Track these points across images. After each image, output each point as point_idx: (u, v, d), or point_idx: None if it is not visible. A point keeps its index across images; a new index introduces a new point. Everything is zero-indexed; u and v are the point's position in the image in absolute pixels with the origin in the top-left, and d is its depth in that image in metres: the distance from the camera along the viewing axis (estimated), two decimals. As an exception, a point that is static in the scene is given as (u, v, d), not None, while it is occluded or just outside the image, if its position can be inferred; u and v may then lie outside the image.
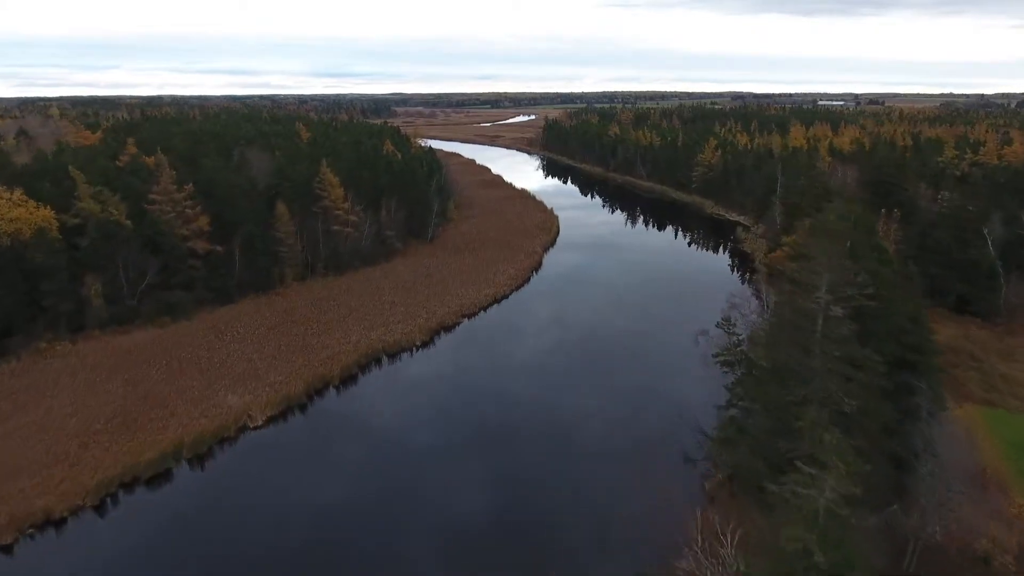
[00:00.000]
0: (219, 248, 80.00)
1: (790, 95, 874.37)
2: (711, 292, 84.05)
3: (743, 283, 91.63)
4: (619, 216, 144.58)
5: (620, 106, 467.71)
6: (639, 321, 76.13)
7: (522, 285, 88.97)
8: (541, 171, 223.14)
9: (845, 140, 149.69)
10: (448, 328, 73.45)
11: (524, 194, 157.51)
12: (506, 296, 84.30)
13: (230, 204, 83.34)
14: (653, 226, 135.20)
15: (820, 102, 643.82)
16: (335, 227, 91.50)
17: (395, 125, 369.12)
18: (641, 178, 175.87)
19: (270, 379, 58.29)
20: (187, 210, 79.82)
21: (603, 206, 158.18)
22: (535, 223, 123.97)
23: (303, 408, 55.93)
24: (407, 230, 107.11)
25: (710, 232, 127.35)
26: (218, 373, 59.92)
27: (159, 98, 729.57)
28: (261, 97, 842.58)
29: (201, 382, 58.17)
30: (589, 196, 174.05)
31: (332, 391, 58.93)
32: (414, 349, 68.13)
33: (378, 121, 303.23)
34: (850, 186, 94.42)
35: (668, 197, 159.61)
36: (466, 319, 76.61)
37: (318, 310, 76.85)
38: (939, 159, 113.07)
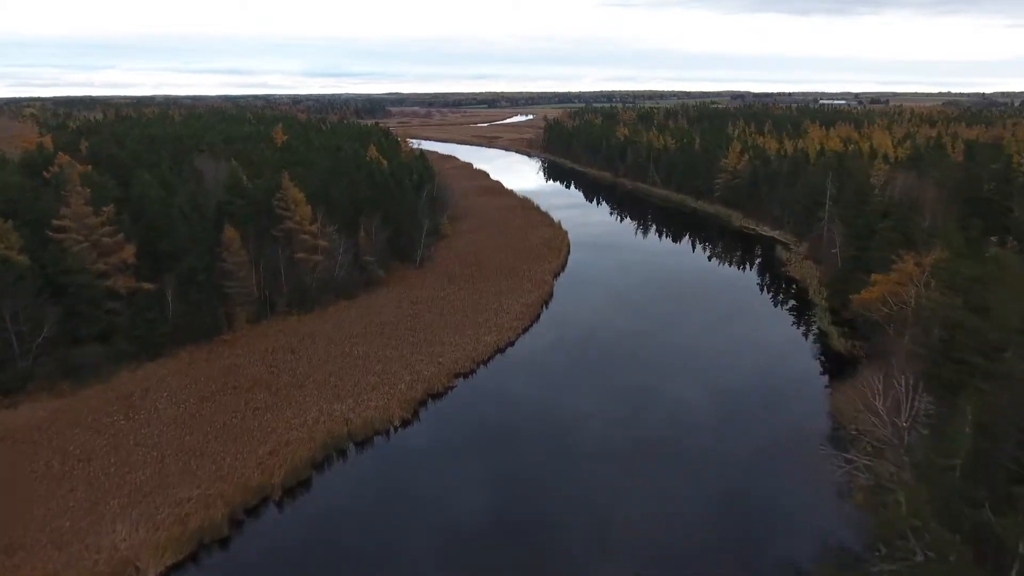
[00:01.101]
0: (148, 286, 62.18)
1: (789, 94, 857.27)
2: (777, 347, 66.88)
3: (802, 328, 74.06)
4: (635, 230, 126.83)
5: (620, 106, 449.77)
6: (696, 390, 58.46)
7: (530, 326, 71.25)
8: (543, 175, 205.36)
9: (884, 141, 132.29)
10: (437, 395, 55.68)
11: (526, 203, 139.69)
12: (511, 343, 66.56)
13: (165, 229, 65.48)
14: (676, 242, 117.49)
15: (821, 101, 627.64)
16: (300, 255, 73.66)
17: (388, 126, 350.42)
18: (654, 185, 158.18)
19: (181, 494, 40.48)
20: (105, 239, 61.98)
21: (615, 217, 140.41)
22: (541, 239, 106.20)
23: (223, 544, 38.16)
24: (392, 252, 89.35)
25: (743, 250, 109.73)
26: (113, 481, 42.10)
27: (150, 98, 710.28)
28: (256, 97, 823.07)
29: (86, 497, 40.39)
30: (598, 204, 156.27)
31: (271, 509, 41.16)
32: (392, 430, 50.40)
33: (371, 122, 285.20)
34: (928, 203, 76.86)
35: (686, 206, 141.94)
36: (461, 379, 58.90)
37: (271, 367, 59.05)
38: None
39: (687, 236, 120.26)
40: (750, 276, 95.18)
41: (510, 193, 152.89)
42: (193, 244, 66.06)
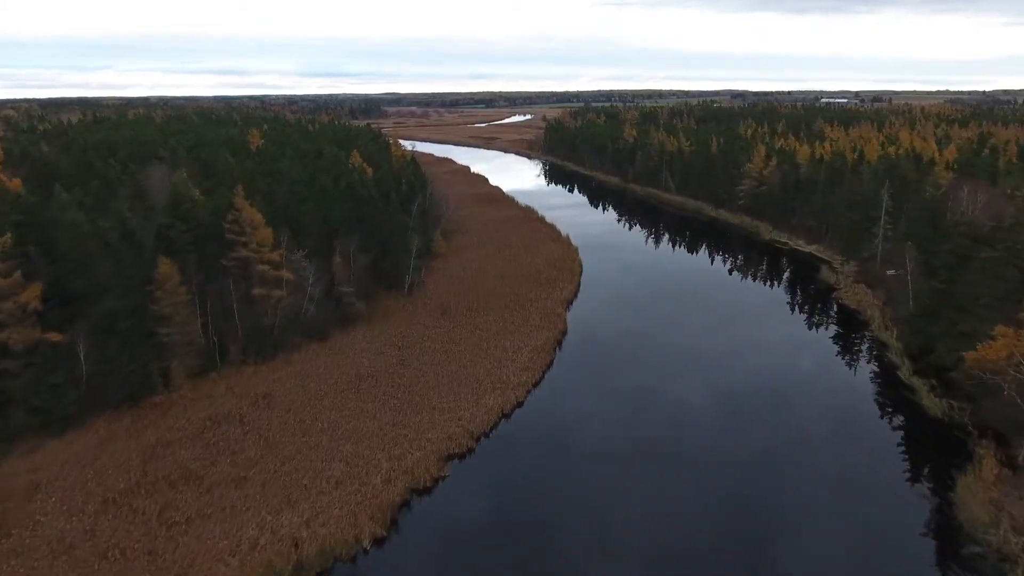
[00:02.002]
0: (56, 337, 48.00)
1: (788, 92, 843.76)
2: (847, 402, 53.14)
3: (874, 376, 60.00)
4: (653, 244, 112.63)
5: (621, 105, 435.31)
6: (766, 478, 44.37)
7: (541, 378, 57.08)
8: (545, 179, 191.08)
9: (926, 144, 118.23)
10: (423, 490, 41.53)
11: (529, 213, 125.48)
12: (519, 404, 52.42)
13: (80, 264, 51.25)
14: (701, 256, 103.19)
15: (822, 100, 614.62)
16: (257, 290, 59.41)
17: (383, 127, 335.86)
18: (668, 191, 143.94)
19: None
20: (-4, 278, 47.76)
21: (628, 228, 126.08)
22: (548, 259, 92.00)
23: None
24: (375, 278, 75.27)
25: (778, 267, 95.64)
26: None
27: (144, 99, 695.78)
28: (251, 98, 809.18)
29: None
30: (608, 213, 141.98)
31: None
32: (360, 553, 36.28)
33: (365, 122, 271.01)
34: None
35: (704, 215, 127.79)
36: (456, 461, 44.80)
37: (208, 447, 44.92)
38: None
39: (712, 250, 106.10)
40: (793, 300, 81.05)
41: (511, 201, 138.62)
42: (117, 280, 51.82)
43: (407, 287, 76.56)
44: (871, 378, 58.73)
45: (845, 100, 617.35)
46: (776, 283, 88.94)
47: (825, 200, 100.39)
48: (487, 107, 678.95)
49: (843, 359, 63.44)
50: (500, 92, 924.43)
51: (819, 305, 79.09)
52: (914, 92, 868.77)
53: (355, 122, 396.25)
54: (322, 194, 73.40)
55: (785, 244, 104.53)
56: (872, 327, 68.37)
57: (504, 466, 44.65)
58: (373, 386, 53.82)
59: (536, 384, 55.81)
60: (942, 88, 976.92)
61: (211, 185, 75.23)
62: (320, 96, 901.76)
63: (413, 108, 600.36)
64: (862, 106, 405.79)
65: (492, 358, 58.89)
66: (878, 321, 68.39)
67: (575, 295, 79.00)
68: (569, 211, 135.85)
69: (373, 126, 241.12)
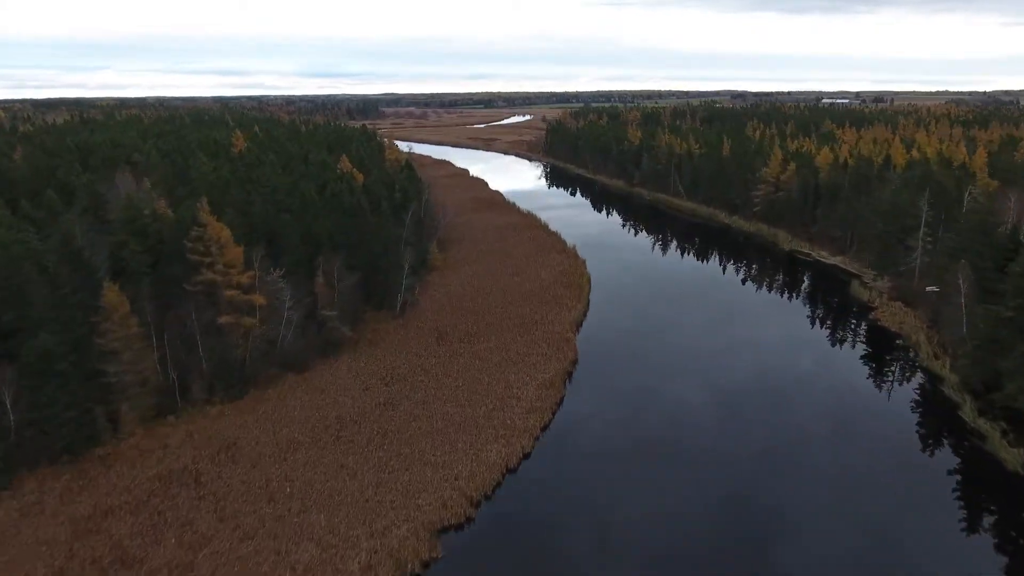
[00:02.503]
0: (-21, 381, 40.28)
1: (788, 93, 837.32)
2: (900, 448, 45.64)
3: (926, 413, 52.30)
4: (664, 253, 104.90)
5: (622, 105, 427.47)
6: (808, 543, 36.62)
7: (551, 420, 49.36)
8: (547, 183, 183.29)
9: (956, 148, 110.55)
10: (413, 578, 33.82)
11: (531, 221, 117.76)
12: (527, 455, 44.67)
13: (10, 292, 43.50)
14: (717, 267, 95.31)
15: (824, 100, 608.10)
16: (225, 318, 51.62)
17: (380, 128, 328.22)
18: (678, 196, 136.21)
19: None
20: (-96, 313, 40.03)
21: (636, 236, 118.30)
22: (554, 272, 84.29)
23: None
24: (364, 297, 67.57)
25: (803, 281, 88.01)
26: None
27: (141, 100, 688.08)
28: (249, 98, 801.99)
29: None
30: (613, 219, 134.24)
31: None
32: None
33: (358, 124, 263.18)
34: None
35: (717, 221, 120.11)
36: (453, 532, 37.09)
37: (152, 517, 37.17)
38: None
39: (729, 261, 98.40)
40: (823, 319, 73.35)
41: (512, 207, 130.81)
42: (57, 312, 44.08)
43: (399, 307, 68.83)
44: (926, 418, 51.08)
45: (847, 100, 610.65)
46: (802, 298, 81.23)
47: (851, 208, 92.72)
48: (486, 107, 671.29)
49: (888, 393, 55.72)
50: (499, 92, 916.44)
51: (852, 325, 71.45)
52: (914, 92, 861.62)
53: (352, 123, 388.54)
54: (304, 204, 65.61)
55: (807, 255, 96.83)
56: (918, 354, 60.69)
57: (508, 540, 36.93)
58: (356, 433, 46.09)
59: (545, 427, 48.11)
60: (941, 88, 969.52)
61: (185, 194, 67.68)
62: (319, 96, 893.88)
63: (412, 108, 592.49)
64: (865, 106, 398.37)
65: (494, 396, 51.15)
66: (925, 348, 60.68)
67: (585, 315, 71.23)
68: (573, 217, 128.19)
69: (369, 127, 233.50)
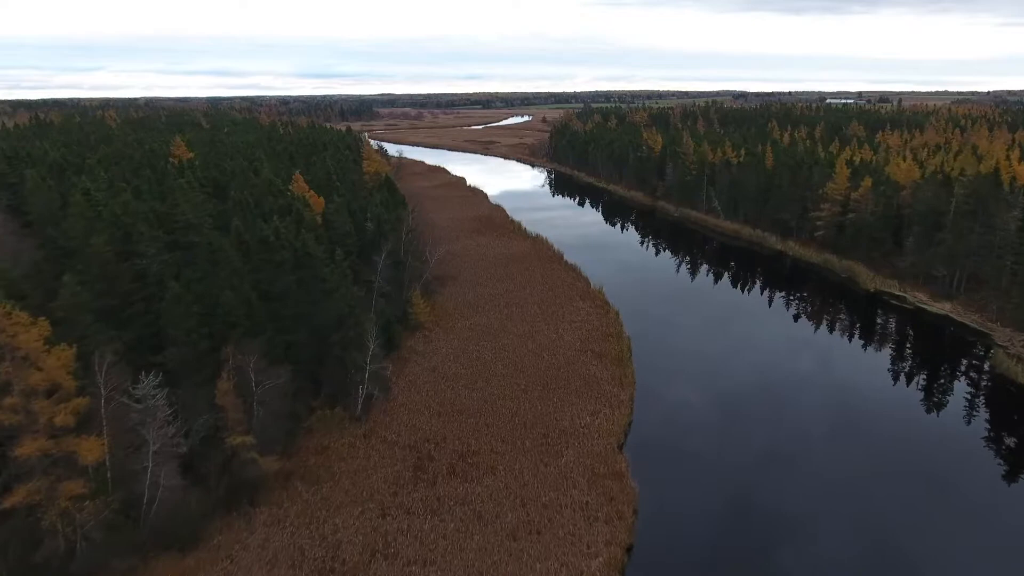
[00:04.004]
0: None
1: (789, 93, 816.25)
2: None
3: None
4: (716, 295, 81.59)
5: (626, 106, 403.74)
6: None
7: None
8: (555, 193, 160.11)
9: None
10: None
11: (542, 248, 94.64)
12: None
13: None
14: (783, 315, 72.05)
15: (828, 100, 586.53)
16: (15, 497, 28.36)
17: (370, 129, 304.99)
18: (712, 213, 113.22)
19: None
20: None
21: (672, 267, 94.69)
22: (582, 334, 61.23)
23: None
24: (312, 391, 44.65)
25: (905, 338, 65.03)
26: None
27: (132, 100, 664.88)
28: (243, 98, 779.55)
29: None
30: (637, 241, 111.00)
31: None
32: None
33: (346, 125, 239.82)
34: None
35: (767, 247, 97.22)
36: None
37: None
38: None
39: (800, 303, 75.48)
40: (967, 410, 50.29)
41: (517, 228, 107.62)
42: None
43: (359, 407, 45.74)
44: None
45: (851, 101, 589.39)
46: (914, 365, 58.30)
47: (958, 242, 69.99)
48: (483, 108, 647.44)
49: None
50: (496, 93, 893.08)
51: (997, 415, 48.61)
52: (914, 93, 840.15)
53: (343, 124, 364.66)
54: (213, 257, 42.33)
55: (900, 298, 73.87)
56: None
57: None
58: None
59: None
60: (940, 88, 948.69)
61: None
62: (314, 97, 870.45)
63: (407, 109, 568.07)
64: (881, 107, 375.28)
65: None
66: None
67: (631, 415, 48.03)
68: (591, 241, 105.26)
69: (355, 129, 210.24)
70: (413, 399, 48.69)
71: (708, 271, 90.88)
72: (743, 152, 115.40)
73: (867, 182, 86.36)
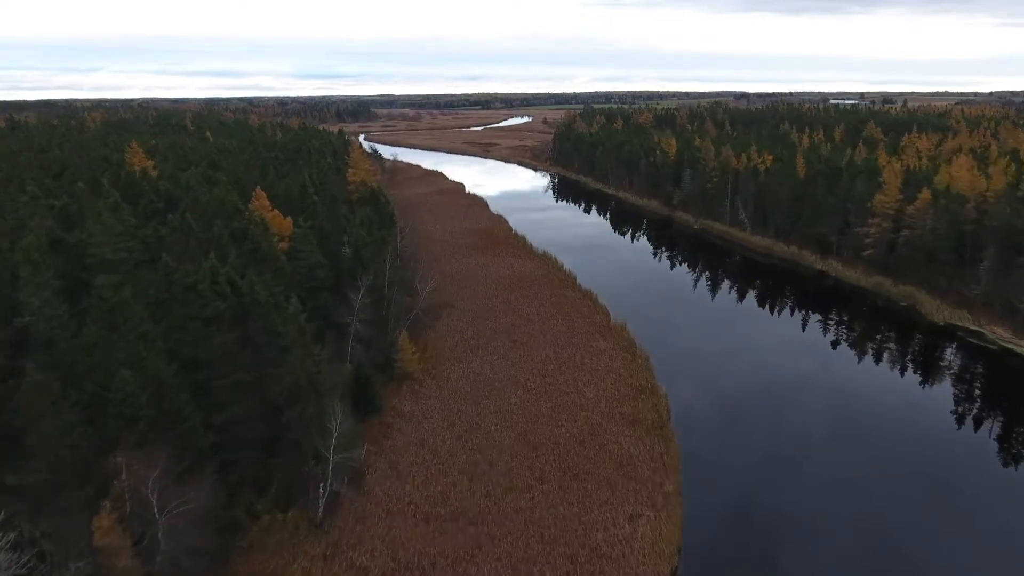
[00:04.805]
0: None
1: (790, 93, 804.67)
2: None
3: None
4: (754, 324, 69.56)
5: (628, 106, 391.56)
6: None
7: None
8: (560, 200, 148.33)
9: None
10: None
11: (551, 268, 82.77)
12: None
13: None
14: (846, 355, 60.05)
15: (831, 101, 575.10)
16: None
17: (367, 130, 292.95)
18: (738, 226, 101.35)
19: None
20: None
21: (701, 291, 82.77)
22: (606, 388, 49.35)
23: None
24: (257, 484, 32.77)
25: (995, 388, 53.11)
26: None
27: (128, 101, 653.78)
28: (242, 99, 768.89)
29: None
30: (653, 257, 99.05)
31: None
32: None
33: (338, 127, 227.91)
34: None
35: (805, 267, 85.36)
36: None
37: None
38: None
39: (865, 342, 63.56)
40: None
41: (522, 243, 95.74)
42: None
43: (320, 510, 33.85)
44: None
45: (854, 101, 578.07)
46: (1005, 425, 46.50)
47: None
48: (483, 109, 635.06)
49: None
50: (495, 94, 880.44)
51: None
52: (914, 93, 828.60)
53: (337, 125, 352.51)
54: (103, 319, 30.32)
55: (975, 333, 61.94)
56: None
57: None
58: None
59: None
60: (940, 89, 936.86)
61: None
62: (313, 98, 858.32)
63: (405, 110, 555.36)
64: (891, 107, 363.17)
65: None
66: None
67: (681, 516, 36.00)
68: (603, 257, 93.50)
69: (351, 130, 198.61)
70: (394, 492, 36.77)
71: (741, 294, 79.06)
72: (769, 157, 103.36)
73: (925, 194, 74.55)
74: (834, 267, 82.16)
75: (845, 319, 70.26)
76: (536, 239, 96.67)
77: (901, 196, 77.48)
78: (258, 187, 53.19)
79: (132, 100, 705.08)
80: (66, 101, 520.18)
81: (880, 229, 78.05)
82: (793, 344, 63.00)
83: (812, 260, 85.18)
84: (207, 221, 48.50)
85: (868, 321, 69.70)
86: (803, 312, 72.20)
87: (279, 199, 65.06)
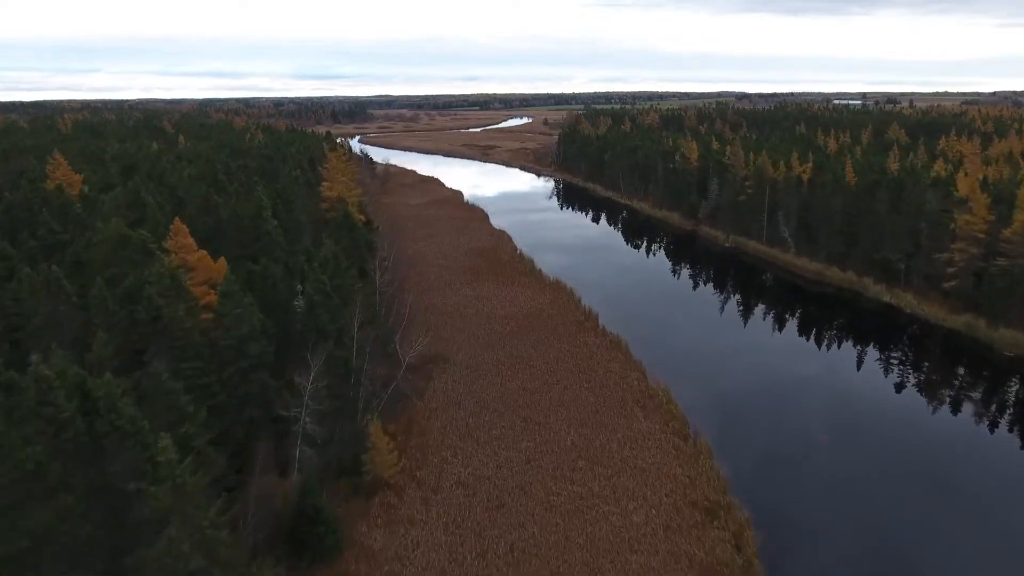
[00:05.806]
0: None
1: (791, 93, 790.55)
2: None
3: None
4: (830, 384, 54.89)
5: (632, 107, 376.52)
6: None
7: None
8: (567, 209, 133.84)
9: None
10: None
11: (566, 302, 68.27)
12: None
13: None
14: (949, 420, 45.96)
15: (834, 101, 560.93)
16: None
17: (366, 131, 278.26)
18: (778, 245, 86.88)
19: None
20: None
21: (746, 331, 68.02)
22: (660, 504, 34.98)
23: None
24: None
25: None
26: None
27: (120, 102, 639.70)
28: (239, 100, 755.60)
29: None
30: (678, 284, 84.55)
31: None
32: None
33: (326, 130, 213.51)
34: None
35: (869, 298, 70.88)
36: None
37: None
38: None
39: (971, 403, 49.25)
40: None
41: (529, 267, 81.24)
42: None
43: None
44: None
45: (856, 102, 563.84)
46: None
47: None
48: (482, 109, 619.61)
49: None
50: (495, 94, 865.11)
51: None
52: (915, 93, 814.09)
53: (336, 127, 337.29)
54: None
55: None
56: None
57: None
58: None
59: None
60: (941, 89, 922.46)
61: None
62: (311, 98, 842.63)
63: (403, 111, 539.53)
64: (903, 107, 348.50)
65: None
66: None
67: None
68: (625, 287, 79.00)
69: (347, 132, 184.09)
70: None
71: (795, 334, 64.62)
72: (806, 169, 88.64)
73: (1022, 216, 60.13)
74: (906, 300, 67.66)
75: (922, 362, 55.98)
76: (546, 262, 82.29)
77: (992, 215, 63.20)
78: (177, 219, 38.45)
79: (129, 101, 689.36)
80: (57, 102, 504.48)
81: (966, 256, 63.70)
82: (879, 401, 48.32)
83: (878, 290, 70.66)
84: (98, 267, 33.95)
85: (967, 371, 55.34)
86: (879, 355, 57.63)
87: (227, 225, 50.59)
